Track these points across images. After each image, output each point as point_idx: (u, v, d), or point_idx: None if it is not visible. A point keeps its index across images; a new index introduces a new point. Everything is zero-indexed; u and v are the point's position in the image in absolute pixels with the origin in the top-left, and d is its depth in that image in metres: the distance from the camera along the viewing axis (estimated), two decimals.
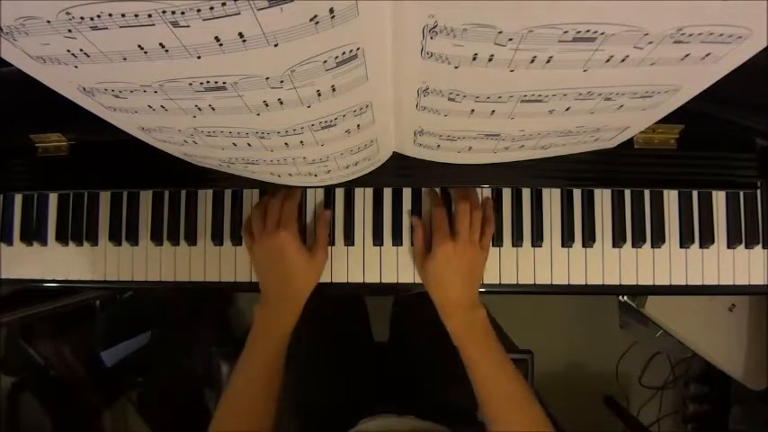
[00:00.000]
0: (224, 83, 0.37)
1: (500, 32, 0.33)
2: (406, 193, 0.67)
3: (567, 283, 0.65)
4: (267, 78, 0.36)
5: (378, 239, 0.66)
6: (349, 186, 0.66)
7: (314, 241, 0.64)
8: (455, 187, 0.66)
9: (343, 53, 0.36)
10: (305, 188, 0.67)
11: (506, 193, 0.66)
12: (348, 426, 0.68)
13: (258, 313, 0.61)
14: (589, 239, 0.65)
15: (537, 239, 0.65)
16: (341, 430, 0.68)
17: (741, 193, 0.65)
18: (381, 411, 0.72)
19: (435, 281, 0.60)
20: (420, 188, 0.66)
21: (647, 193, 0.65)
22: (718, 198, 0.65)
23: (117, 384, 1.43)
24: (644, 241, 0.65)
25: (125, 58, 0.34)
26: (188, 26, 0.31)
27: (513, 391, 0.56)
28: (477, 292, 0.61)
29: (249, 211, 0.68)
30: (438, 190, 0.66)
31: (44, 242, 0.70)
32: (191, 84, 0.37)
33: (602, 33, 0.33)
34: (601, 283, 0.65)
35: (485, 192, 0.66)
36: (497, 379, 0.57)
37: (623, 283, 0.65)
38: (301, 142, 0.47)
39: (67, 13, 0.30)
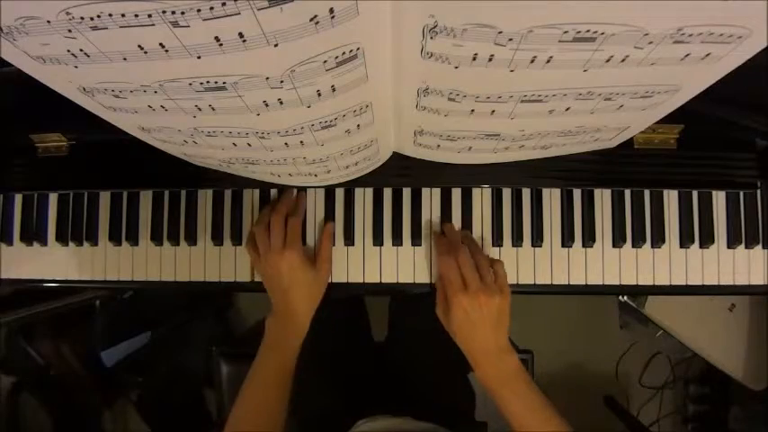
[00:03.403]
0: (224, 83, 0.37)
1: (500, 32, 0.33)
2: (406, 193, 0.66)
3: (566, 283, 0.65)
4: (267, 78, 0.36)
5: (378, 239, 0.66)
6: (349, 186, 0.66)
7: (317, 256, 0.64)
8: (462, 187, 0.65)
9: (343, 53, 0.36)
10: (306, 193, 0.67)
11: (506, 193, 0.66)
12: (346, 427, 0.68)
13: (269, 324, 0.62)
14: (589, 239, 0.65)
15: (537, 239, 0.65)
16: (339, 431, 0.68)
17: (741, 193, 0.65)
18: (379, 412, 0.72)
19: (458, 334, 0.58)
20: (420, 188, 0.66)
21: (647, 193, 0.65)
22: (719, 198, 0.65)
23: (117, 384, 1.43)
24: (644, 241, 0.65)
25: (125, 59, 0.34)
26: (188, 26, 0.31)
27: None
28: (505, 337, 0.59)
29: (249, 211, 0.68)
30: (438, 191, 0.66)
31: (44, 242, 0.70)
32: (191, 84, 0.37)
33: (602, 33, 0.33)
34: (601, 283, 0.65)
35: (485, 192, 0.66)
36: (534, 424, 0.55)
37: (623, 283, 0.65)
38: (301, 142, 0.47)
39: (67, 14, 0.30)
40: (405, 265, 0.66)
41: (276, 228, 0.62)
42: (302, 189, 0.67)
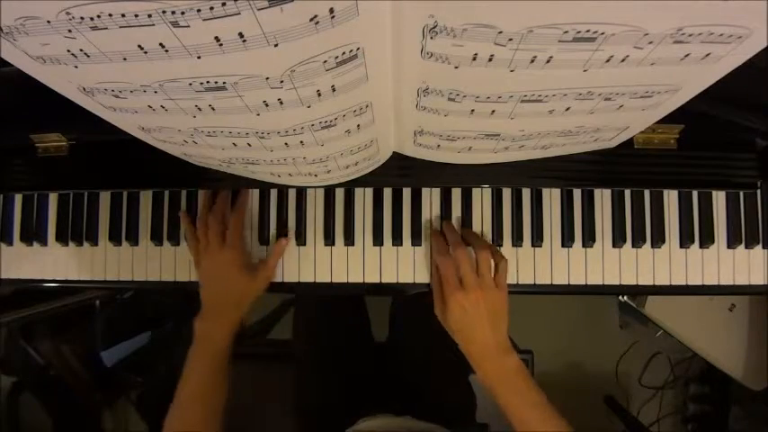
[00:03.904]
0: (224, 83, 0.37)
1: (500, 32, 0.33)
2: (406, 193, 0.66)
3: (566, 283, 0.65)
4: (267, 78, 0.36)
5: (378, 239, 0.66)
6: (349, 186, 0.66)
7: (262, 265, 0.64)
8: (462, 187, 0.65)
9: (343, 53, 0.36)
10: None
11: (506, 193, 0.66)
12: (346, 425, 0.68)
13: (197, 326, 0.62)
14: (589, 239, 0.65)
15: (537, 239, 0.65)
16: (338, 430, 0.68)
17: (741, 193, 0.65)
18: (379, 411, 0.72)
19: (457, 333, 0.58)
20: (420, 188, 0.66)
21: (647, 193, 0.65)
22: (718, 198, 0.65)
23: (117, 384, 1.43)
24: (644, 241, 0.65)
25: (125, 59, 0.34)
26: (188, 26, 0.31)
27: None
28: (504, 335, 0.58)
29: (249, 211, 0.67)
30: (438, 191, 0.66)
31: (44, 242, 0.70)
32: (191, 84, 0.37)
33: (602, 33, 0.33)
34: (601, 283, 0.65)
35: (485, 192, 0.66)
36: (534, 422, 0.55)
37: (623, 283, 0.65)
38: (301, 142, 0.47)
39: (67, 14, 0.30)
40: (405, 265, 0.66)
41: (213, 225, 0.63)
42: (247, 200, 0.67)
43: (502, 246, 0.66)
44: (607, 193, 0.66)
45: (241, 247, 0.63)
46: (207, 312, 0.62)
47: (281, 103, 0.40)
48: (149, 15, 0.30)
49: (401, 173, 0.63)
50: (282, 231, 0.66)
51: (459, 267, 0.58)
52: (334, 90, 0.40)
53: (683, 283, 0.65)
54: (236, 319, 0.63)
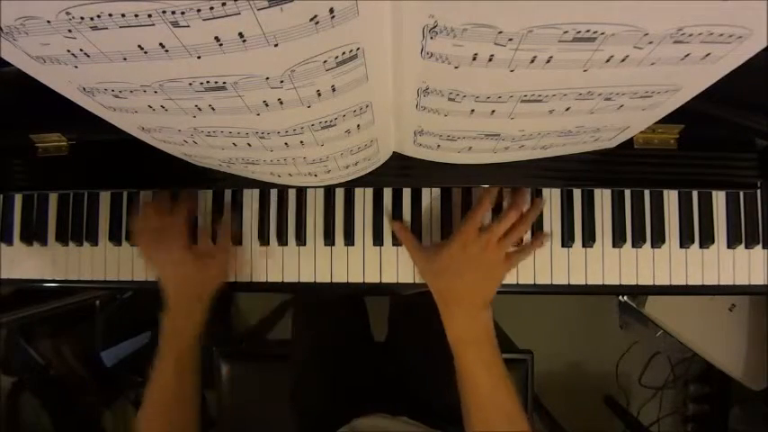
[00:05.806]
0: (224, 83, 0.37)
1: (500, 32, 0.33)
2: (406, 193, 0.66)
3: (566, 283, 0.65)
4: (267, 78, 0.36)
5: (378, 239, 0.66)
6: (349, 186, 0.66)
7: (209, 251, 0.65)
8: (462, 187, 0.65)
9: (344, 53, 0.36)
10: (197, 194, 0.68)
11: (506, 193, 0.66)
12: (341, 423, 0.68)
13: (162, 320, 0.62)
14: (589, 239, 0.65)
15: None
16: (334, 427, 0.68)
17: (741, 193, 0.65)
18: (375, 411, 0.72)
19: (444, 267, 0.55)
20: (420, 188, 0.66)
21: (647, 193, 0.65)
22: (718, 198, 0.65)
23: (117, 384, 1.43)
24: (644, 241, 0.65)
25: (125, 59, 0.34)
26: (188, 26, 0.31)
27: (504, 406, 0.53)
28: (489, 296, 0.56)
29: (249, 211, 0.68)
30: (438, 191, 0.66)
31: (44, 242, 0.70)
32: (191, 84, 0.37)
33: (602, 33, 0.33)
34: (601, 283, 0.65)
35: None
36: (492, 391, 0.54)
37: (623, 283, 0.65)
38: (301, 142, 0.47)
39: (67, 13, 0.30)
40: (405, 265, 0.66)
41: (159, 225, 0.63)
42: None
43: None
44: (607, 193, 0.66)
45: (177, 244, 0.63)
46: (170, 305, 0.62)
47: (281, 102, 0.40)
48: (149, 15, 0.30)
49: (401, 173, 0.63)
50: (282, 231, 0.67)
51: (500, 218, 0.57)
52: (334, 90, 0.40)
53: (683, 283, 0.65)
54: (199, 304, 0.63)
